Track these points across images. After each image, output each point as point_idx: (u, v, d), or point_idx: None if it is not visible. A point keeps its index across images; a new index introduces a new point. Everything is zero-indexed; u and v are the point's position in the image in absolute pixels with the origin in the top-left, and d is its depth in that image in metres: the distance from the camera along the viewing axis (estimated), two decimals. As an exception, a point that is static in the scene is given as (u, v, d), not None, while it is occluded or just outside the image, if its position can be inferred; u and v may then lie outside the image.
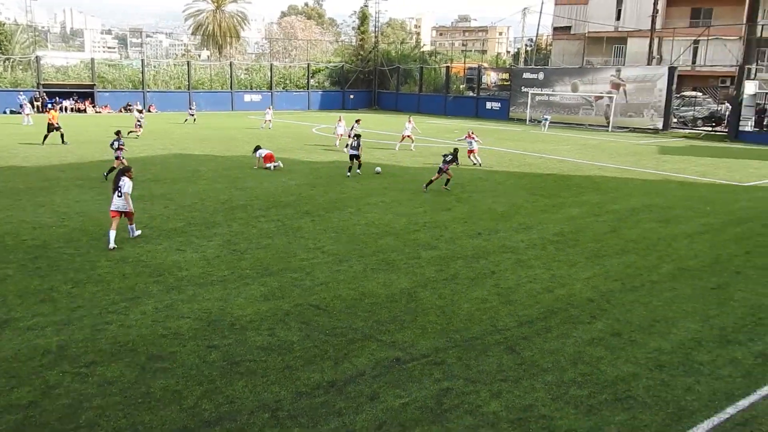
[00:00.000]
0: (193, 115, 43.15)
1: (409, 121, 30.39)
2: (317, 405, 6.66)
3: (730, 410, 6.77)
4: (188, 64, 56.46)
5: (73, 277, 10.47)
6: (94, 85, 51.33)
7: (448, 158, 18.63)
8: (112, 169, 18.84)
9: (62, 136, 28.75)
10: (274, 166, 22.41)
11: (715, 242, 13.90)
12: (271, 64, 61.07)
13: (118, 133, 20.37)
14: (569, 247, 13.13)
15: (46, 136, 28.31)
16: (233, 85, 57.19)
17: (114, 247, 12.02)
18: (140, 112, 34.91)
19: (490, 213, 16.25)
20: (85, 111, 49.92)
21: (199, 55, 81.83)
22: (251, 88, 58.87)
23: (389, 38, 78.95)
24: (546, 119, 44.52)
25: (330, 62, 66.45)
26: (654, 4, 49.39)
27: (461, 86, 58.71)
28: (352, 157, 21.43)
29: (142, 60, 56.70)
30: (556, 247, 13.10)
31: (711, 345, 8.43)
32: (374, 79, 64.86)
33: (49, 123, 28.71)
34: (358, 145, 21.39)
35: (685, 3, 57.95)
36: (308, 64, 62.25)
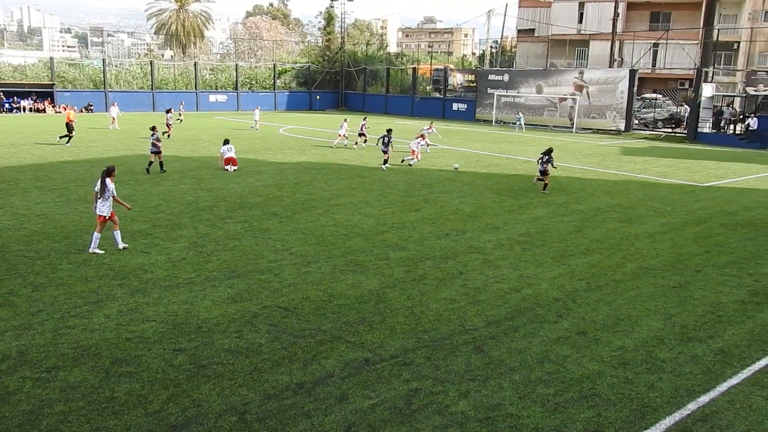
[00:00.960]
0: (180, 115, 42.55)
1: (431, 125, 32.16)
2: (286, 407, 6.62)
3: (691, 406, 6.93)
4: (151, 63, 55.63)
5: (33, 281, 10.21)
6: (54, 84, 50.16)
7: (545, 158, 19.33)
8: (151, 163, 21.27)
9: (70, 138, 28.87)
10: (234, 169, 22.09)
11: (676, 241, 14.24)
12: (237, 65, 60.50)
13: (153, 128, 21.67)
14: (536, 247, 13.30)
15: (69, 137, 28.70)
16: (198, 85, 56.49)
17: (97, 252, 11.77)
18: (168, 112, 33.95)
19: (457, 213, 16.36)
20: (44, 111, 48.73)
21: (163, 55, 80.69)
22: (216, 89, 58.23)
23: (355, 39, 78.87)
24: (519, 118, 45.24)
25: (296, 63, 66.13)
26: (615, 7, 50.40)
27: (428, 87, 59.02)
28: (384, 151, 23.43)
29: (104, 59, 55.62)
30: (522, 248, 13.25)
31: (673, 342, 8.62)
32: (341, 79, 64.77)
33: (67, 123, 29.17)
34: (389, 141, 23.37)
35: (644, 7, 59.31)
36: (274, 65, 61.87)
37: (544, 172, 19.49)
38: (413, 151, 24.99)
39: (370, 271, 11.28)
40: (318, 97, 63.00)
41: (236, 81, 58.59)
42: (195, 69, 56.73)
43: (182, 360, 7.60)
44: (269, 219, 15.09)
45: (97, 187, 11.79)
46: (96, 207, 11.80)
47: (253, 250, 12.36)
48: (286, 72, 63.34)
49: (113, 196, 11.85)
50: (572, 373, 7.59)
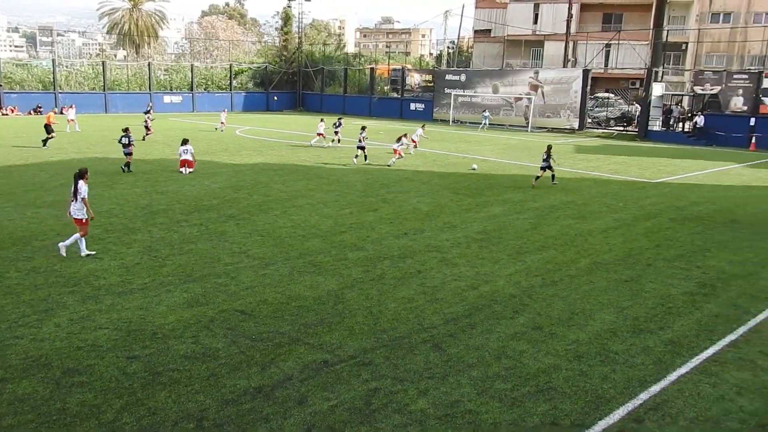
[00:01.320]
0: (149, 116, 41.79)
1: (422, 127, 31.78)
2: (244, 412, 6.55)
3: (643, 396, 7.13)
4: (103, 64, 54.34)
5: (-21, 290, 9.87)
6: (0, 85, 48.56)
7: (546, 156, 20.86)
8: (128, 164, 21.57)
9: (47, 140, 28.24)
10: (189, 171, 21.74)
11: (628, 236, 14.59)
12: (192, 65, 59.58)
13: (126, 129, 21.74)
14: (492, 245, 13.47)
15: (48, 138, 28.16)
16: (152, 86, 55.42)
17: (88, 254, 11.71)
18: (147, 113, 33.81)
19: (415, 213, 16.44)
20: (-10, 113, 47.14)
21: (115, 55, 78.91)
22: (171, 89, 57.22)
23: (313, 39, 78.45)
24: (486, 116, 45.80)
25: (253, 63, 65.46)
26: (569, 9, 51.36)
27: (386, 88, 59.13)
28: (359, 147, 24.91)
29: (53, 60, 54.07)
30: (479, 245, 13.40)
31: (625, 335, 8.84)
32: (299, 80, 64.40)
33: (46, 125, 28.58)
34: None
35: (597, 9, 60.63)
36: (231, 65, 61.12)
37: (547, 168, 20.92)
38: (395, 150, 25.45)
39: (328, 272, 11.26)
40: (275, 97, 62.48)
41: (192, 82, 57.69)
42: (149, 69, 55.63)
43: (137, 368, 7.46)
44: (226, 221, 14.91)
45: (72, 190, 11.76)
46: (70, 211, 11.76)
47: (209, 254, 12.19)
48: (242, 72, 62.60)
49: (82, 199, 11.73)
50: (529, 368, 7.72)
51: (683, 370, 7.80)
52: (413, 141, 29.31)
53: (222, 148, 29.71)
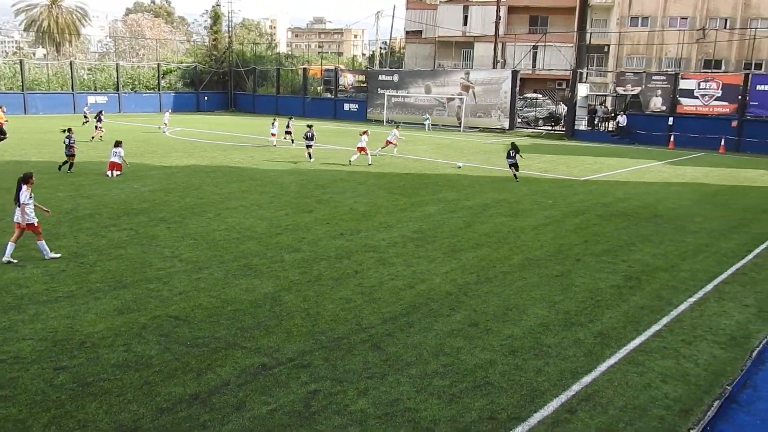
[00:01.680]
0: (86, 117, 40.48)
1: (397, 128, 31.73)
2: (180, 420, 6.39)
3: (576, 387, 7.37)
4: (21, 62, 51.77)
5: None
6: None
7: (512, 153, 22.48)
8: (65, 162, 21.67)
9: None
10: (117, 174, 21.01)
11: (558, 233, 15.06)
12: (117, 64, 57.55)
13: (69, 130, 21.74)
14: (428, 244, 13.62)
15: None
16: (75, 86, 53.22)
17: (10, 261, 11.19)
18: (100, 113, 33.55)
19: (351, 213, 16.45)
20: None
21: (34, 54, 75.35)
22: (95, 89, 55.11)
23: (244, 39, 77.20)
24: (427, 118, 46.18)
25: (182, 62, 63.83)
26: (497, 11, 52.52)
27: (319, 88, 58.85)
28: (308, 146, 26.04)
29: (-34, 58, 51.16)
30: (415, 244, 13.53)
31: (557, 328, 9.13)
32: (230, 80, 63.25)
33: None
34: (312, 135, 26.17)
35: (524, 11, 62.25)
36: (158, 65, 59.40)
37: (513, 165, 22.54)
38: (388, 141, 28.12)
39: (264, 275, 11.12)
40: (206, 98, 61.11)
41: (117, 81, 55.75)
42: (71, 69, 53.40)
43: (64, 379, 7.15)
44: (156, 225, 14.49)
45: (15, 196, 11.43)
46: (14, 215, 11.48)
47: (139, 259, 11.82)
48: (171, 72, 60.92)
49: (34, 203, 11.50)
50: (466, 364, 7.85)
51: (612, 360, 8.12)
52: (389, 142, 29.15)
53: (151, 149, 28.85)
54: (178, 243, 13.03)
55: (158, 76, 58.34)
